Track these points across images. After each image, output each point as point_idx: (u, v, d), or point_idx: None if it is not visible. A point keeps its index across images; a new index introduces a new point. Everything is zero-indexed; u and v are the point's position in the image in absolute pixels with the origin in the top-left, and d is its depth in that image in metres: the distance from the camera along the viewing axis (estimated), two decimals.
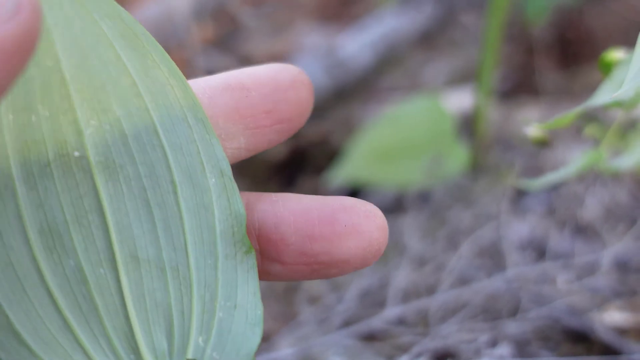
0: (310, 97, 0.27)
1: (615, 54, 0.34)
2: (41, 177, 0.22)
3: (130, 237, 0.22)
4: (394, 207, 0.58)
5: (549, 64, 0.78)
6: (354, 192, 0.61)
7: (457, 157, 0.58)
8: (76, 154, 0.22)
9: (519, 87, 0.77)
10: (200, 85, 0.25)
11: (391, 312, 0.44)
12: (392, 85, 0.78)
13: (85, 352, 0.22)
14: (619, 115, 0.42)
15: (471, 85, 0.72)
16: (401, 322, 0.44)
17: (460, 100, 0.71)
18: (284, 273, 0.25)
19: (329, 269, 0.25)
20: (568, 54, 0.79)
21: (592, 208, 0.54)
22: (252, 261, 0.24)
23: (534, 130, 0.40)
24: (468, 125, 0.66)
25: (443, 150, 0.59)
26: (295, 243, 0.25)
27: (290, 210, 0.25)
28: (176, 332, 0.23)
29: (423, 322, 0.44)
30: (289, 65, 0.27)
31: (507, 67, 0.78)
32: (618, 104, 0.34)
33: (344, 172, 0.59)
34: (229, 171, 0.24)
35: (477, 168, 0.61)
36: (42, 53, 0.21)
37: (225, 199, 0.24)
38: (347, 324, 0.44)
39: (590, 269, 0.48)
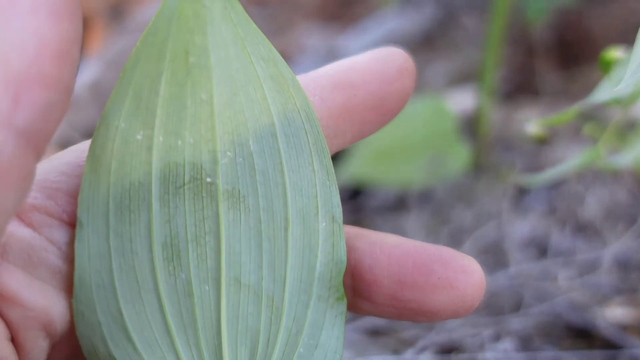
0: (413, 83, 0.27)
1: (615, 53, 0.35)
2: (174, 196, 0.24)
3: (238, 262, 0.24)
4: (396, 206, 0.59)
5: (548, 65, 0.79)
6: (357, 191, 0.62)
7: (459, 156, 0.59)
8: (208, 179, 0.24)
9: (519, 88, 0.78)
10: (310, 85, 0.25)
11: None
12: None
13: (178, 357, 0.24)
14: (617, 113, 0.43)
15: (471, 86, 0.73)
16: None
17: (460, 101, 0.72)
18: (373, 310, 0.26)
19: (417, 316, 0.25)
20: (567, 56, 0.80)
21: (592, 207, 0.54)
22: (342, 308, 0.25)
23: (533, 127, 0.41)
24: (468, 126, 0.66)
25: (445, 149, 0.59)
26: (387, 287, 0.25)
27: (387, 253, 0.25)
28: (258, 356, 0.24)
29: None
30: (395, 50, 0.27)
31: (507, 68, 0.79)
32: (616, 101, 0.35)
33: (347, 171, 0.59)
34: (340, 218, 0.25)
35: (478, 167, 0.62)
36: (200, 87, 0.23)
37: (331, 245, 0.25)
38: (352, 318, 0.44)
39: (591, 267, 0.48)
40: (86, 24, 0.88)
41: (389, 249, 0.25)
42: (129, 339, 0.23)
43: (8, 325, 0.22)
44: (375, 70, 0.26)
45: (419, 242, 0.25)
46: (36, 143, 0.19)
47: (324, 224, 0.25)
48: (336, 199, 0.25)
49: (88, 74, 0.73)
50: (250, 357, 0.24)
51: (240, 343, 0.24)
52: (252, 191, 0.24)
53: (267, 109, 0.24)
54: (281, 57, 0.24)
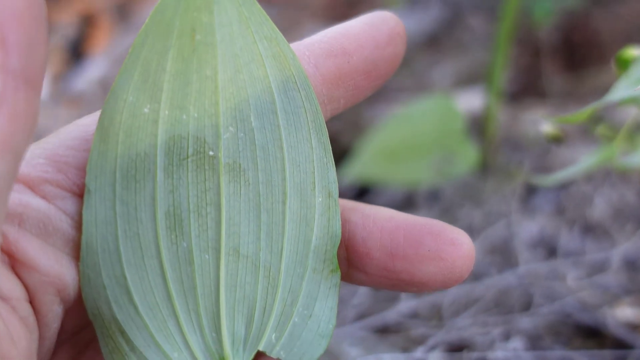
0: (404, 47, 0.27)
1: (632, 52, 0.35)
2: (178, 168, 0.24)
3: (237, 233, 0.25)
4: (404, 205, 0.59)
5: (555, 66, 0.79)
6: (365, 190, 0.61)
7: (467, 156, 0.59)
8: (211, 153, 0.25)
9: (526, 89, 0.78)
10: (305, 53, 0.26)
11: (405, 305, 0.45)
12: (399, 86, 0.79)
13: (178, 321, 0.25)
14: (631, 114, 0.42)
15: (478, 87, 0.73)
16: (415, 315, 0.45)
17: (467, 102, 0.72)
18: (366, 281, 0.27)
19: (409, 287, 0.26)
20: (574, 57, 0.80)
21: (600, 208, 0.54)
22: (336, 280, 0.26)
23: (548, 126, 0.41)
24: (475, 126, 0.66)
25: (453, 149, 0.59)
26: (379, 258, 0.26)
27: (379, 226, 0.26)
28: (255, 324, 0.25)
29: (437, 316, 0.44)
30: (386, 15, 0.27)
31: (514, 69, 0.79)
32: (633, 100, 0.35)
33: (354, 170, 0.59)
34: (336, 194, 0.26)
35: (486, 167, 0.61)
36: (205, 64, 0.24)
37: (326, 219, 0.26)
38: (361, 317, 0.44)
39: (600, 267, 0.48)
40: (94, 23, 0.88)
41: (382, 222, 0.26)
42: (132, 302, 0.24)
43: (26, 289, 0.23)
44: (367, 35, 0.27)
45: (410, 216, 0.26)
46: (33, 80, 0.19)
47: (320, 199, 0.25)
48: (332, 176, 0.26)
49: (96, 70, 0.73)
50: (247, 324, 0.25)
51: (237, 311, 0.25)
52: (252, 165, 0.25)
53: (269, 86, 0.25)
54: (283, 37, 0.25)
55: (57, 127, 0.67)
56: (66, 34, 0.85)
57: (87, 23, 0.87)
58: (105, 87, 0.71)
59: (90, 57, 0.81)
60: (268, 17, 0.25)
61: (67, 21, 0.86)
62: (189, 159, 0.24)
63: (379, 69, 0.27)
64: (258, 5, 0.25)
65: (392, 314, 0.44)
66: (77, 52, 0.83)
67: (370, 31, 0.27)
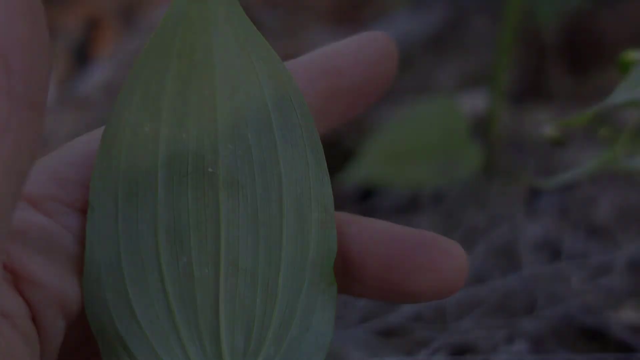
0: (396, 65, 0.28)
1: (634, 54, 0.35)
2: (178, 185, 0.25)
3: (236, 247, 0.25)
4: (408, 207, 0.59)
5: (560, 68, 0.79)
6: (369, 192, 0.62)
7: (471, 158, 0.59)
8: (210, 170, 0.25)
9: (530, 90, 0.78)
10: (299, 71, 0.27)
11: (409, 308, 0.45)
12: (403, 87, 0.79)
13: (179, 334, 0.25)
14: (634, 116, 0.42)
15: (482, 89, 0.73)
16: (418, 318, 0.45)
17: (471, 103, 0.72)
18: (363, 292, 0.27)
19: (404, 298, 0.26)
20: (579, 58, 0.80)
21: (605, 210, 0.54)
22: (333, 293, 0.26)
23: (550, 129, 0.41)
24: (479, 128, 0.66)
25: (457, 151, 0.59)
26: (375, 270, 0.26)
27: (375, 240, 0.26)
28: (254, 337, 0.25)
29: (440, 319, 0.45)
30: (377, 34, 0.28)
31: (518, 70, 0.79)
32: (634, 103, 0.35)
33: (358, 173, 0.59)
34: (331, 209, 0.26)
35: (490, 169, 0.61)
36: (204, 84, 0.25)
37: (323, 234, 0.26)
38: (365, 319, 0.44)
39: (605, 269, 0.48)
40: (99, 26, 0.88)
41: (377, 234, 0.26)
42: (134, 317, 0.25)
43: (29, 305, 0.23)
44: (358, 54, 0.28)
45: (406, 228, 0.27)
46: (36, 103, 0.20)
47: (316, 214, 0.26)
48: (328, 191, 0.26)
49: (101, 74, 0.74)
50: (246, 337, 0.25)
51: (236, 324, 0.25)
52: (250, 181, 0.26)
53: (265, 105, 0.26)
54: (279, 58, 0.26)
55: (63, 131, 0.67)
56: (71, 38, 0.85)
57: (93, 26, 0.88)
58: (111, 92, 0.71)
59: (96, 61, 0.82)
60: (264, 38, 0.26)
61: (72, 25, 0.87)
62: (189, 176, 0.25)
63: (370, 87, 0.28)
64: (254, 28, 0.26)
65: (395, 317, 0.44)
66: (82, 56, 0.83)
67: (362, 50, 0.28)
